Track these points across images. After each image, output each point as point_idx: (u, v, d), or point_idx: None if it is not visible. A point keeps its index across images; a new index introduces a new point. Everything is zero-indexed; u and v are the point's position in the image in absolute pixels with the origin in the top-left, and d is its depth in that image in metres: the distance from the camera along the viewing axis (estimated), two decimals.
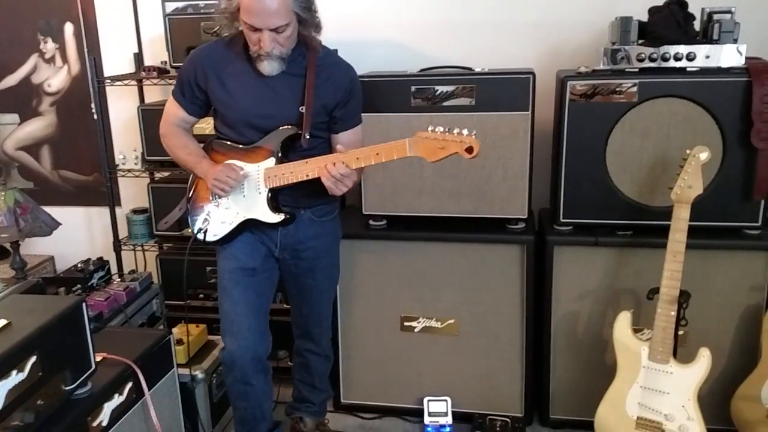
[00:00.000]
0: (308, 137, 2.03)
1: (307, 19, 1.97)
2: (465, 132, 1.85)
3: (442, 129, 1.87)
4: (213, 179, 2.06)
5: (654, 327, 2.16)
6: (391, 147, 1.94)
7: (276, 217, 2.09)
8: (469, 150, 1.84)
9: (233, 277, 2.17)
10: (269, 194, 2.09)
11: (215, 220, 2.16)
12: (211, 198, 2.16)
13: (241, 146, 2.11)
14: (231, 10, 1.95)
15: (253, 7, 1.86)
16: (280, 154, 2.06)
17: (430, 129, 1.88)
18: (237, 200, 2.12)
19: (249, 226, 2.15)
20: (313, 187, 2.05)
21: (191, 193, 2.23)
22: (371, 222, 2.65)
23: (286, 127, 2.05)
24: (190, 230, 2.23)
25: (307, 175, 2.01)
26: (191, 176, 2.24)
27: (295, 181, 2.04)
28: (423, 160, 1.92)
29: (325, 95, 2.07)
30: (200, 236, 2.17)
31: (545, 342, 2.56)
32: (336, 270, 2.40)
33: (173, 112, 2.19)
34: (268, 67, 1.98)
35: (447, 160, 2.43)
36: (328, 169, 1.95)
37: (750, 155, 2.26)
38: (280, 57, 1.98)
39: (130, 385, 1.90)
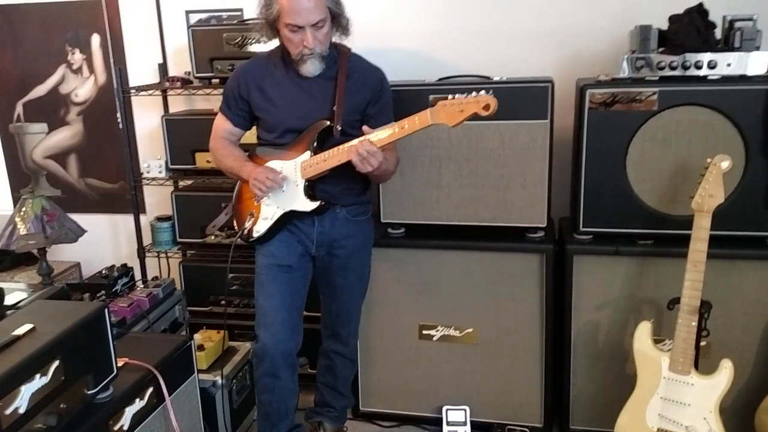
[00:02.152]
0: (339, 128, 2.16)
1: (339, 14, 2.14)
2: (482, 93, 1.96)
3: (459, 95, 1.99)
4: (253, 179, 2.19)
5: (675, 337, 2.14)
6: (415, 118, 2.05)
7: (312, 205, 2.21)
8: (486, 107, 1.94)
9: (270, 273, 2.30)
10: (306, 184, 2.20)
11: (258, 218, 2.28)
12: (255, 200, 2.28)
13: (279, 147, 2.24)
14: (270, 20, 2.11)
15: (294, 6, 2.03)
16: (315, 144, 2.18)
17: (449, 96, 2.00)
18: (277, 195, 2.23)
19: (288, 222, 2.26)
20: (348, 183, 2.23)
21: (236, 197, 2.37)
22: (390, 230, 2.66)
23: (319, 121, 2.18)
24: (234, 233, 2.36)
25: (339, 160, 2.12)
26: (238, 182, 2.38)
27: (329, 167, 2.15)
28: (445, 126, 2.02)
29: (357, 95, 2.20)
30: (244, 234, 2.30)
31: (565, 352, 2.54)
32: (367, 270, 2.48)
33: (221, 125, 2.36)
34: (311, 67, 2.14)
35: (465, 168, 2.49)
36: (356, 147, 2.05)
37: None
38: (321, 55, 2.13)
39: (151, 390, 1.92)
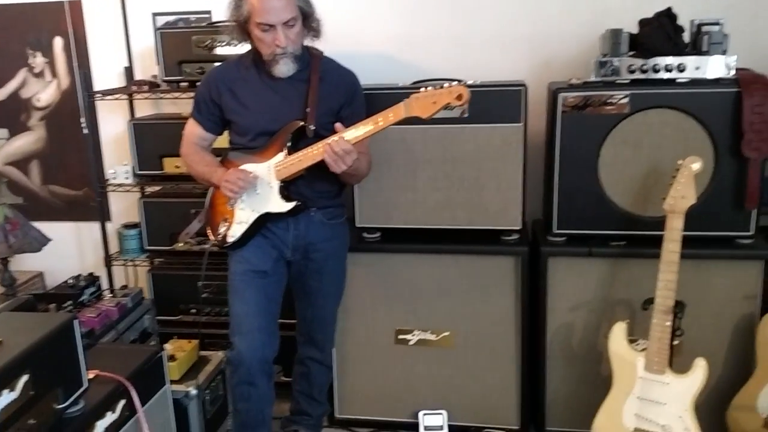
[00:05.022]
0: (313, 129, 2.14)
1: (309, 14, 2.13)
2: (454, 83, 1.97)
3: (432, 87, 1.99)
4: (224, 181, 2.15)
5: (649, 337, 2.16)
6: (388, 112, 2.05)
7: (288, 205, 2.18)
8: (459, 97, 1.96)
9: (245, 279, 2.26)
10: (281, 185, 2.17)
11: (232, 223, 2.25)
12: (228, 205, 2.24)
13: (252, 150, 2.21)
14: (241, 21, 2.09)
15: (264, 5, 2.03)
16: (289, 145, 2.15)
17: (421, 90, 2.00)
18: (251, 198, 2.20)
19: (263, 225, 2.23)
20: (322, 186, 2.22)
21: (209, 203, 2.34)
22: (365, 235, 2.64)
23: (293, 122, 2.15)
24: (211, 240, 2.33)
25: (314, 159, 2.09)
26: (210, 189, 2.34)
27: (303, 167, 2.13)
28: (419, 118, 2.02)
29: (330, 97, 2.19)
30: (218, 239, 2.27)
31: (541, 353, 2.56)
32: (342, 275, 2.46)
33: (192, 131, 2.33)
34: (284, 68, 2.12)
35: (440, 171, 2.49)
36: (331, 145, 2.03)
37: (741, 165, 2.28)
38: (294, 55, 2.11)
39: (122, 402, 1.87)
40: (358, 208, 2.60)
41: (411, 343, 2.66)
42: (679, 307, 2.16)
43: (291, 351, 2.55)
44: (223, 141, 2.37)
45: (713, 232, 2.36)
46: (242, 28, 2.12)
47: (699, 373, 2.11)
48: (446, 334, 2.62)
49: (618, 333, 2.25)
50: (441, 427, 2.62)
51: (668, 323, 2.13)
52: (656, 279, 2.15)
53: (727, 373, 2.42)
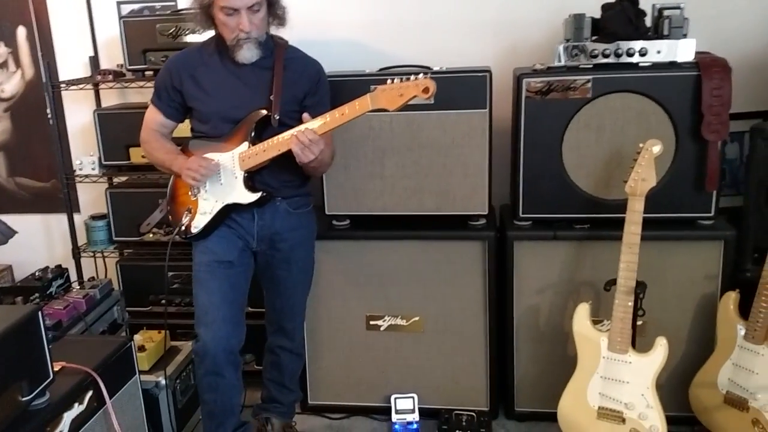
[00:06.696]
0: (277, 118, 2.12)
1: (275, 1, 2.13)
2: (420, 76, 1.95)
3: (398, 79, 1.98)
4: (185, 169, 2.13)
5: (612, 318, 2.20)
6: (354, 104, 2.04)
7: (253, 196, 2.16)
8: (426, 90, 1.95)
9: (209, 269, 2.24)
10: (245, 175, 2.15)
11: (195, 213, 2.22)
12: (191, 195, 2.22)
13: (215, 139, 2.18)
14: (205, 5, 2.07)
15: None
16: (253, 134, 2.13)
17: (388, 81, 1.98)
18: (215, 189, 2.18)
19: (227, 215, 2.21)
20: (287, 175, 2.20)
21: (171, 192, 2.31)
22: (334, 222, 2.65)
23: (257, 111, 2.13)
24: (172, 230, 2.29)
25: (279, 150, 2.08)
26: (171, 177, 2.31)
27: (269, 157, 2.11)
28: (385, 110, 2.02)
29: (295, 85, 2.18)
30: (181, 230, 2.24)
31: (508, 336, 2.59)
32: (311, 263, 2.45)
33: (152, 117, 2.30)
34: (248, 53, 2.11)
35: (408, 158, 2.51)
36: (297, 135, 2.03)
37: (701, 147, 2.32)
38: (258, 41, 2.10)
39: (90, 393, 1.86)
40: (327, 196, 2.61)
41: (382, 328, 2.68)
42: (640, 288, 2.20)
43: (263, 340, 2.55)
44: (184, 131, 2.35)
45: (675, 213, 2.40)
46: (206, 12, 2.10)
47: (660, 351, 2.16)
48: (416, 319, 2.65)
49: (581, 314, 2.29)
50: (412, 410, 2.65)
51: (630, 303, 2.18)
52: (619, 261, 2.19)
53: (689, 351, 2.48)
